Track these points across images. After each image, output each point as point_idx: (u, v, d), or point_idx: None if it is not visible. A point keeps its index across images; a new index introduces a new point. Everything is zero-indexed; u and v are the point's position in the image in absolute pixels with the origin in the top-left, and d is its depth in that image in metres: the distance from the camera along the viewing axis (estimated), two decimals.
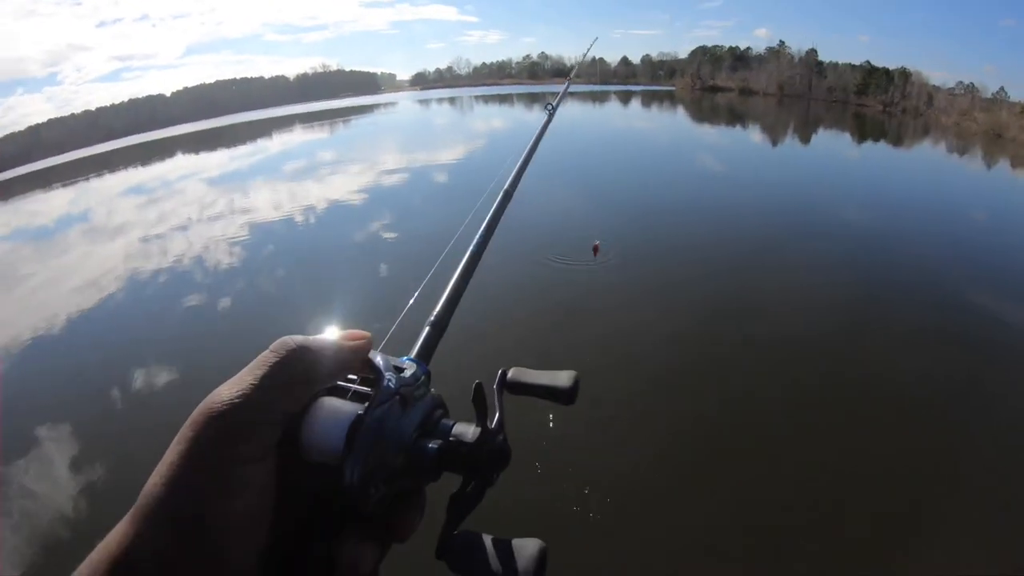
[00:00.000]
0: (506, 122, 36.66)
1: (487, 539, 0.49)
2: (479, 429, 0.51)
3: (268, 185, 17.96)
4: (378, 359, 0.50)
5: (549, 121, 1.65)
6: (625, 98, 55.72)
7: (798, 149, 29.17)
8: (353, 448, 0.43)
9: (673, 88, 69.75)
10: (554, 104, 1.84)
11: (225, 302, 8.91)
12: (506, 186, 1.07)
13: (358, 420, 0.44)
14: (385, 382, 0.47)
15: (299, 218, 13.15)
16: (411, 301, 0.77)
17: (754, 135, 33.04)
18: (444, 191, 15.87)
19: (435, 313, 0.66)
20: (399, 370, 0.50)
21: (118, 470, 5.19)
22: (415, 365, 0.52)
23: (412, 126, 38.78)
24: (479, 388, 0.51)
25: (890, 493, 4.85)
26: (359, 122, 40.91)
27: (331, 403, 0.46)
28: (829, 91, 59.77)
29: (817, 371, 7.22)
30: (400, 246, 10.69)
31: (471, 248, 0.81)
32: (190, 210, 14.91)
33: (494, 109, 49.44)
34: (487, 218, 0.91)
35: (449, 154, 21.62)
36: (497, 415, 0.54)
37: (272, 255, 11.17)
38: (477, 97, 61.04)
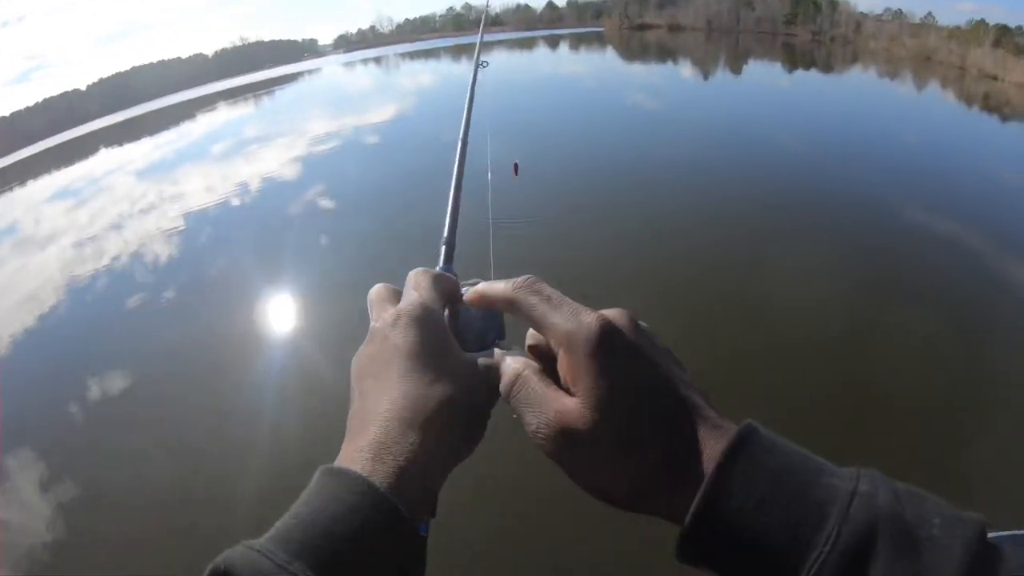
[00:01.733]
0: (436, 77, 36.22)
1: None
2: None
3: (198, 169, 17.51)
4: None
5: (476, 74, 1.67)
6: (553, 42, 55.10)
7: (728, 81, 29.39)
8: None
9: (602, 29, 69.17)
10: (475, 59, 1.87)
11: (172, 294, 8.76)
12: (461, 135, 1.20)
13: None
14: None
15: (236, 200, 12.90)
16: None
17: (684, 70, 33.12)
18: (377, 152, 15.76)
19: (444, 236, 0.86)
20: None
21: (87, 483, 5.16)
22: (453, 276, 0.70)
23: (338, 91, 38.06)
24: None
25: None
26: (283, 93, 39.93)
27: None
28: (758, 23, 59.86)
29: (739, 288, 7.48)
30: (343, 214, 10.63)
31: (452, 184, 0.98)
32: (122, 206, 14.48)
33: (421, 65, 48.70)
34: (455, 164, 1.06)
35: (378, 115, 21.35)
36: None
37: (220, 238, 11.01)
38: (404, 55, 59.85)
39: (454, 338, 0.60)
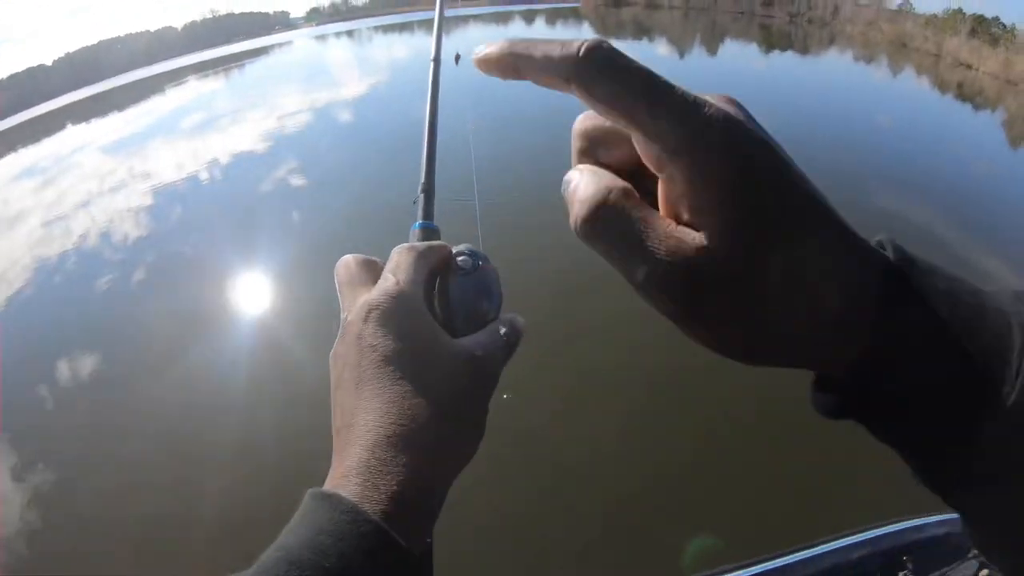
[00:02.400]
0: (409, 50, 35.87)
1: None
2: None
3: (168, 145, 17.29)
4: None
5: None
6: (529, 17, 54.75)
7: (703, 62, 29.43)
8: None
9: (577, 4, 68.64)
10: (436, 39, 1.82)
11: (141, 274, 8.69)
12: (432, 54, 1.10)
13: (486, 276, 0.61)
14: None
15: (206, 176, 12.79)
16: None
17: (660, 48, 33.13)
18: (350, 127, 15.64)
19: (421, 182, 0.78)
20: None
21: (54, 469, 5.14)
22: (433, 228, 0.70)
23: (310, 64, 37.61)
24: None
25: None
26: (254, 66, 39.42)
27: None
28: (735, 3, 59.65)
29: None
30: (317, 191, 10.57)
31: (426, 129, 0.87)
32: (90, 184, 14.27)
33: (395, 38, 48.21)
34: (429, 87, 0.98)
35: (350, 90, 21.17)
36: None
37: (191, 216, 10.92)
38: (377, 27, 59.16)
39: (442, 323, 0.54)
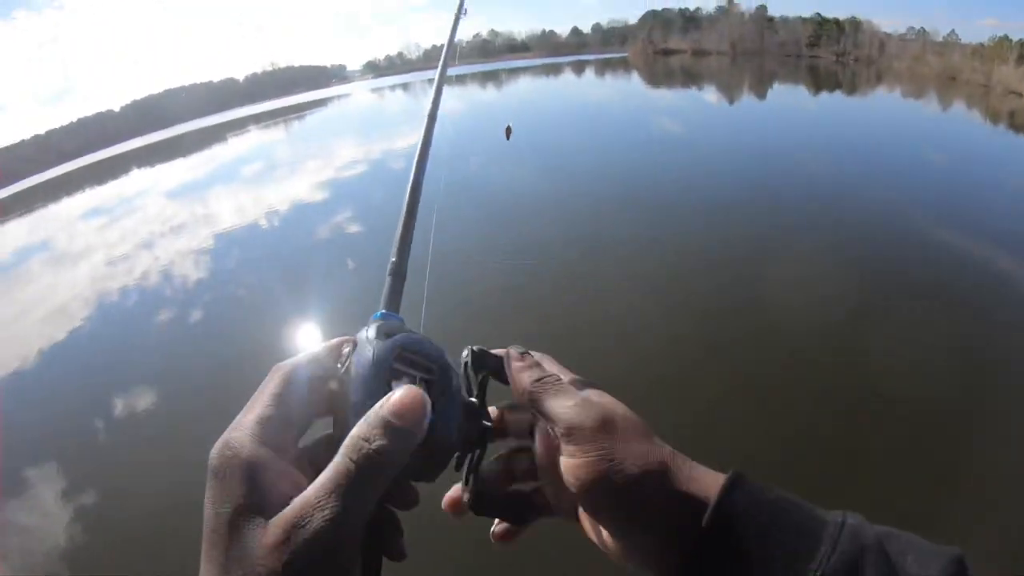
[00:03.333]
0: (459, 103, 36.54)
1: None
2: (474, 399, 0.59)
3: (228, 191, 17.78)
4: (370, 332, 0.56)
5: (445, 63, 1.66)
6: (579, 68, 55.43)
7: (753, 105, 29.32)
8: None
9: (626, 54, 69.46)
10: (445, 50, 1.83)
11: (199, 314, 8.81)
12: (428, 109, 1.04)
13: (447, 392, 0.54)
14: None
15: (263, 222, 13.07)
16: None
17: (709, 95, 33.12)
18: (402, 178, 15.88)
19: (392, 263, 0.71)
20: (388, 332, 0.55)
21: (112, 496, 5.19)
22: (398, 321, 0.60)
23: (366, 116, 38.48)
24: (481, 353, 0.62)
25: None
26: (313, 117, 40.46)
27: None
28: (782, 46, 59.93)
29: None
30: (370, 235, 10.70)
31: (404, 206, 0.81)
32: (152, 226, 14.72)
33: (446, 91, 49.02)
34: (417, 148, 0.90)
35: (403, 141, 21.57)
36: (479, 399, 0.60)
37: (241, 261, 11.17)
38: (430, 80, 60.41)
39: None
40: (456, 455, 0.56)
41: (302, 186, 15.74)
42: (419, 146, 0.91)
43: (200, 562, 0.41)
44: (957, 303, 7.72)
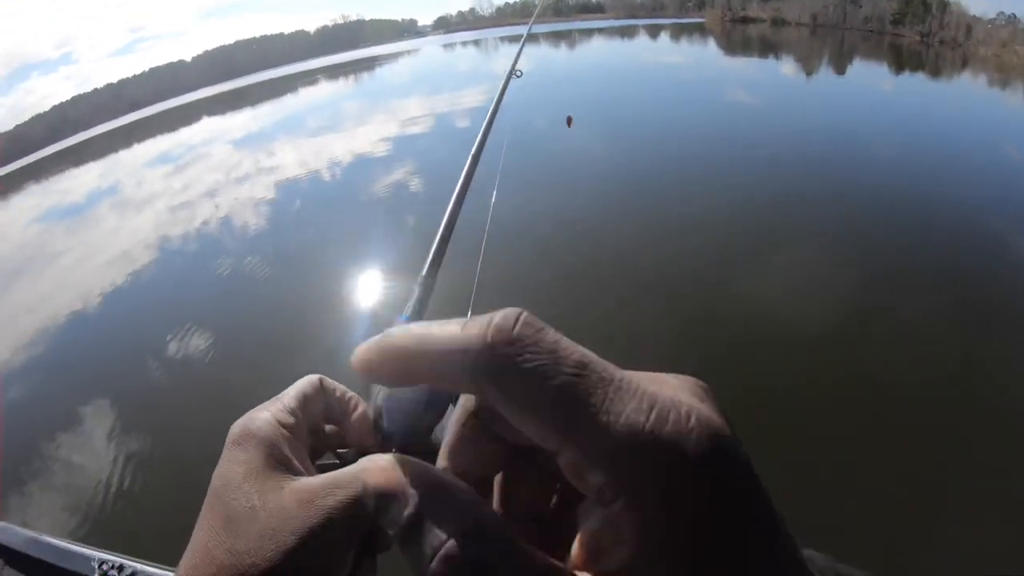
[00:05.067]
0: (529, 60, 36.09)
1: None
2: None
3: (294, 142, 17.90)
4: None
5: (507, 82, 1.69)
6: (654, 32, 54.37)
7: (832, 81, 28.56)
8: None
9: (703, 20, 67.91)
10: (512, 66, 1.87)
11: (256, 263, 8.87)
12: (473, 150, 1.13)
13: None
14: None
15: (326, 174, 13.14)
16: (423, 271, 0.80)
17: (786, 67, 32.32)
18: (465, 136, 15.71)
19: (423, 273, 0.75)
20: None
21: (160, 439, 5.24)
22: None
23: (436, 72, 38.37)
24: None
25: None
26: (383, 71, 40.62)
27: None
28: (864, 21, 58.00)
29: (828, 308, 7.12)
30: (427, 193, 10.65)
31: (447, 213, 0.87)
32: (217, 175, 14.92)
33: (516, 49, 48.60)
34: (459, 183, 0.96)
35: (470, 99, 21.37)
36: None
37: (300, 212, 11.30)
38: (502, 38, 60.01)
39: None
40: None
41: (365, 141, 15.76)
42: (462, 178, 0.98)
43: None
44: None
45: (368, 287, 7.56)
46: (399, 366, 0.31)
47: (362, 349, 0.32)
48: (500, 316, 0.27)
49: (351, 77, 37.92)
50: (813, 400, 5.39)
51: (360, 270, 8.17)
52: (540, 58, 33.23)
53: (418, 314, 0.67)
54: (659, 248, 8.20)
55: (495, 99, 1.48)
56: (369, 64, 44.12)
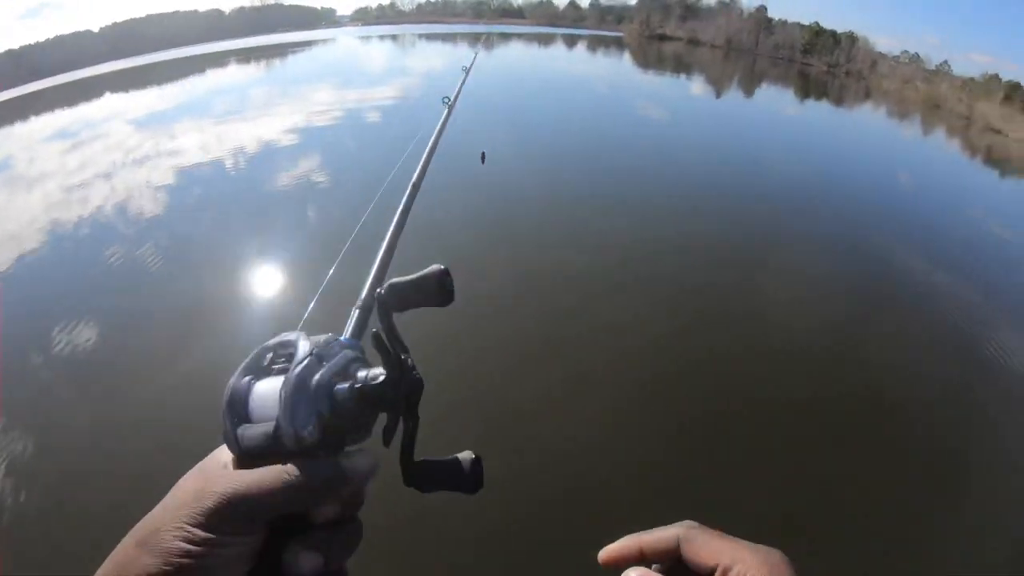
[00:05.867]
0: (447, 60, 36.02)
1: (436, 459, 0.60)
2: (383, 370, 0.59)
3: (198, 126, 17.43)
4: (293, 336, 0.61)
5: (448, 115, 1.72)
6: (571, 41, 55.07)
7: (740, 101, 29.64)
8: (284, 403, 0.54)
9: (622, 34, 69.18)
10: (452, 98, 1.92)
11: (150, 252, 8.58)
12: (413, 179, 1.15)
13: (285, 382, 0.55)
14: (300, 348, 0.58)
15: (229, 161, 12.88)
16: (322, 286, 0.91)
17: (697, 86, 33.31)
18: (375, 132, 15.80)
19: (361, 298, 0.75)
20: (316, 341, 0.60)
21: (33, 437, 5.07)
22: (333, 337, 0.63)
23: (349, 63, 37.91)
24: (375, 335, 0.60)
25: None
26: (296, 59, 39.80)
27: (266, 383, 0.57)
28: (776, 48, 60.65)
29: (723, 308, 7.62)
30: (330, 197, 10.63)
31: (386, 240, 0.89)
32: (116, 155, 14.45)
33: (436, 48, 48.41)
34: (398, 211, 0.99)
35: (382, 94, 21.35)
36: (395, 351, 0.61)
37: (207, 200, 10.96)
38: (420, 35, 59.61)
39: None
40: (384, 429, 0.60)
41: (275, 130, 15.50)
42: (400, 209, 1.00)
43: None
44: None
45: (266, 283, 7.51)
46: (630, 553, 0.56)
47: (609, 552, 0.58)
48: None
49: (264, 62, 37.06)
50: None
51: (260, 265, 8.02)
52: (460, 59, 33.26)
53: (357, 336, 0.71)
54: (572, 256, 8.52)
55: (438, 127, 1.50)
56: (283, 50, 43.15)
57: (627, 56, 47.32)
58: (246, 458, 0.54)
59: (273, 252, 8.32)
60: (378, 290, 0.62)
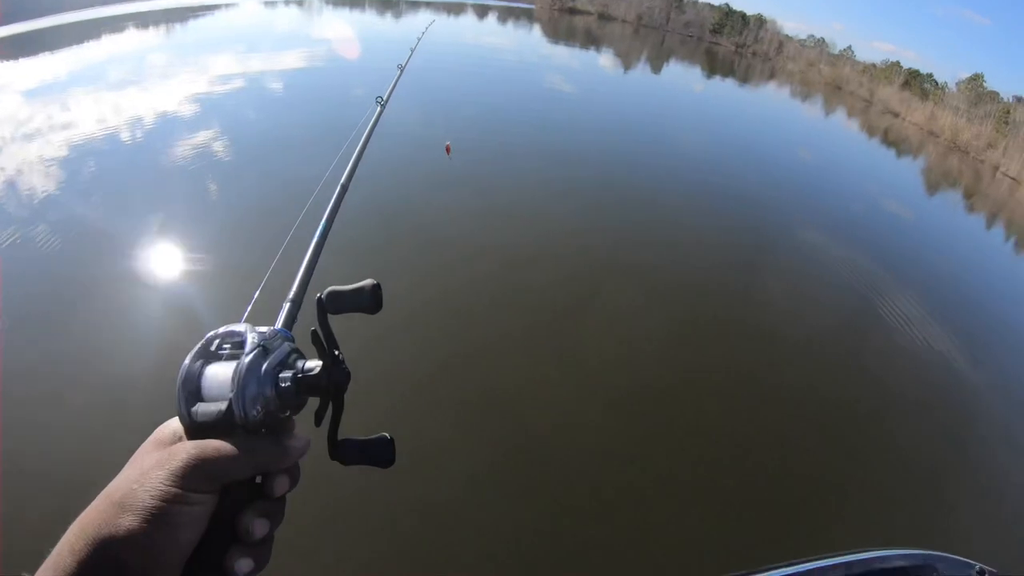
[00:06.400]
0: (358, 29, 35.23)
1: (358, 439, 0.74)
2: (320, 362, 0.72)
3: (93, 95, 16.58)
4: (243, 328, 0.70)
5: (381, 114, 1.78)
6: (481, 12, 54.51)
7: (648, 77, 29.98)
8: (237, 386, 0.64)
9: (532, 6, 68.75)
10: (384, 98, 1.96)
11: (43, 232, 8.26)
12: (343, 180, 1.20)
13: (236, 368, 0.65)
14: (249, 339, 0.68)
15: (126, 133, 12.38)
16: (263, 282, 0.97)
17: (606, 59, 33.53)
18: (283, 102, 15.46)
19: (292, 292, 0.85)
20: (261, 332, 0.70)
21: None
22: (277, 331, 0.73)
23: (255, 30, 36.63)
24: (314, 333, 0.73)
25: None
26: (197, 23, 38.24)
27: (217, 367, 0.67)
28: (686, 26, 61.74)
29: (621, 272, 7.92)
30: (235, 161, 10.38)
31: (315, 238, 0.96)
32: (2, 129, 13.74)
33: (345, 15, 47.19)
34: (327, 211, 1.05)
35: (289, 62, 20.85)
36: (329, 347, 0.74)
37: (103, 174, 10.52)
38: (330, 2, 57.93)
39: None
40: (315, 412, 0.73)
41: (172, 99, 15.05)
42: (327, 209, 1.05)
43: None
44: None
45: (170, 266, 7.46)
46: None
47: None
48: None
49: (165, 27, 35.52)
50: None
51: (164, 246, 7.95)
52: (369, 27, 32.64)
53: (289, 326, 0.80)
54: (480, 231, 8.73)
55: (368, 128, 1.54)
56: (184, 15, 41.38)
57: (538, 29, 47.17)
58: (197, 432, 0.63)
59: (179, 229, 8.32)
60: (318, 295, 0.73)
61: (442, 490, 4.68)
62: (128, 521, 0.53)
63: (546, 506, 4.68)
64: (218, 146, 11.88)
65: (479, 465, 4.95)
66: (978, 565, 2.87)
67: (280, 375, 0.68)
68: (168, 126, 13.03)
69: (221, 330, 0.71)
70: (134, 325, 6.38)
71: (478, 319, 6.85)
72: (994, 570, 2.86)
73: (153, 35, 33.07)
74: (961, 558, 2.91)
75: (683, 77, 32.54)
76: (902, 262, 11.25)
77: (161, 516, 0.54)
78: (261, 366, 0.66)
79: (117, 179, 10.30)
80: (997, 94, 46.19)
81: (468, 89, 19.00)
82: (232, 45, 26.35)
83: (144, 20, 37.79)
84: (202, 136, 12.53)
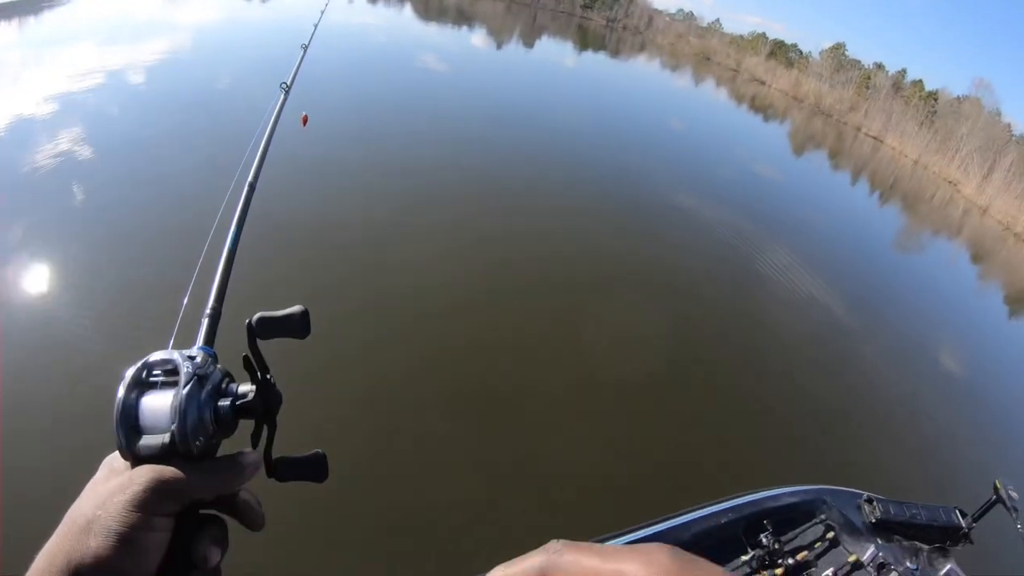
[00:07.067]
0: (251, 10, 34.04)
1: (292, 456, 0.75)
2: (254, 386, 0.72)
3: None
4: (175, 356, 0.68)
5: (285, 101, 1.69)
6: None
7: (520, 54, 30.50)
8: (178, 417, 0.63)
9: None
10: (288, 83, 1.89)
11: None
12: (249, 179, 1.17)
13: (176, 397, 0.64)
14: (184, 370, 0.66)
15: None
16: (185, 300, 0.93)
17: (478, 38, 33.83)
18: (152, 100, 14.55)
19: (209, 306, 0.83)
20: (191, 358, 0.68)
21: None
22: (202, 352, 0.71)
23: (117, 19, 34.84)
24: (246, 359, 0.72)
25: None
26: (53, 15, 36.07)
27: (153, 398, 0.65)
28: (557, 2, 63.26)
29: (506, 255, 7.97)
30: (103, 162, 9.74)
31: (227, 244, 0.94)
32: None
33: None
34: (236, 215, 1.04)
35: (156, 55, 19.72)
36: (261, 372, 0.74)
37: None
38: None
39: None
40: (251, 433, 0.74)
41: (28, 97, 13.87)
42: (236, 214, 1.03)
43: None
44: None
45: (82, 296, 6.84)
46: None
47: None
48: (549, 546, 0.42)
49: (18, 20, 33.23)
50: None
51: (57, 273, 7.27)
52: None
53: (209, 341, 0.80)
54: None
55: (272, 118, 1.50)
56: (39, 6, 38.89)
57: (408, 8, 46.98)
58: (141, 464, 0.62)
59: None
60: (248, 320, 0.72)
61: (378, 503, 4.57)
62: (95, 548, 0.54)
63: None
64: (102, 157, 10.83)
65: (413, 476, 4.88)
66: (865, 494, 3.18)
67: (219, 403, 0.70)
68: (21, 136, 11.67)
69: (151, 358, 0.69)
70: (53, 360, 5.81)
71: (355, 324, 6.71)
72: (880, 496, 3.15)
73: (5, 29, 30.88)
74: (849, 488, 3.23)
75: (556, 52, 33.19)
76: (773, 221, 11.86)
77: (127, 541, 0.55)
78: (199, 396, 0.67)
79: None
80: (859, 61, 50.86)
81: (340, 75, 18.54)
82: (112, 35, 24.70)
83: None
84: (85, 149, 11.39)
